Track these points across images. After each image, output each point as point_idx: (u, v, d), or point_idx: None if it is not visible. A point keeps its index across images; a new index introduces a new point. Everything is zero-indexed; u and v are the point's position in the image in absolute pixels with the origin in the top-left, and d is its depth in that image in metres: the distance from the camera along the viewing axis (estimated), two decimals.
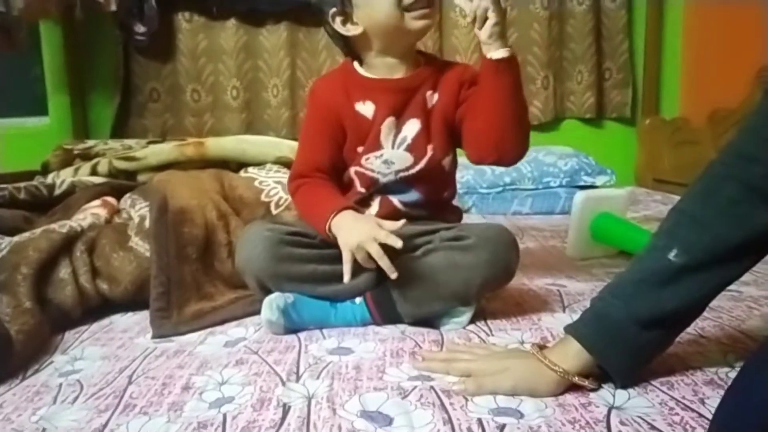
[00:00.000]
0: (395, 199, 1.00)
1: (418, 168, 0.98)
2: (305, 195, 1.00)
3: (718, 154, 0.71)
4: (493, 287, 0.98)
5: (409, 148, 0.98)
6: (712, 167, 0.70)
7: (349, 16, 0.95)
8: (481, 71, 0.92)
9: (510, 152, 0.96)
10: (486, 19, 0.86)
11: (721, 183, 0.68)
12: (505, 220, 1.94)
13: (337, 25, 0.95)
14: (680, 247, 0.67)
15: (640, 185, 2.51)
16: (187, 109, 2.45)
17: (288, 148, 1.57)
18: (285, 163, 1.51)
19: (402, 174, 0.98)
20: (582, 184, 2.07)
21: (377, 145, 0.98)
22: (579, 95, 2.54)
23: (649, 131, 2.52)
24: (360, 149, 0.99)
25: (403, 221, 0.88)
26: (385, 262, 0.86)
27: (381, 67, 0.98)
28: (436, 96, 0.98)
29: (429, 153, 0.98)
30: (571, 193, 1.87)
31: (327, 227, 0.90)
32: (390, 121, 0.97)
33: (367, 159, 0.98)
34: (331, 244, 0.91)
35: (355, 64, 1.01)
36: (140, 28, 2.28)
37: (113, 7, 2.07)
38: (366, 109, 0.98)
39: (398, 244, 0.85)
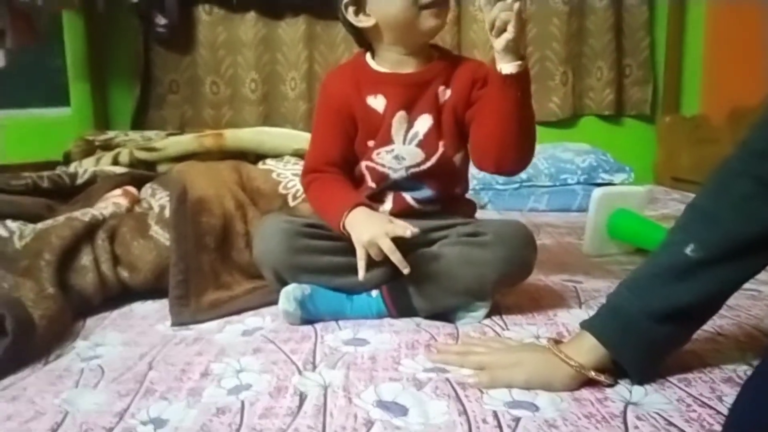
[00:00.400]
0: (408, 196, 1.00)
1: (429, 164, 0.98)
2: (318, 191, 1.00)
3: (734, 149, 0.70)
4: (508, 284, 0.98)
5: (421, 144, 0.97)
6: (727, 163, 0.70)
7: (362, 6, 0.94)
8: (489, 81, 0.91)
9: (510, 166, 0.96)
10: (504, 31, 0.84)
11: (734, 179, 0.68)
12: (521, 217, 1.93)
13: (350, 15, 0.95)
14: (696, 242, 0.67)
15: (658, 183, 2.49)
16: (205, 101, 2.47)
17: (305, 140, 1.57)
18: (302, 156, 1.51)
19: (413, 170, 0.98)
20: (599, 181, 2.05)
21: (388, 140, 0.97)
22: (598, 92, 2.52)
23: (668, 129, 2.49)
24: (371, 143, 0.98)
25: (417, 230, 0.87)
26: (396, 257, 0.86)
27: (392, 61, 0.97)
28: (448, 92, 0.97)
29: (440, 150, 0.97)
30: (588, 190, 1.86)
31: (341, 225, 0.91)
32: (401, 115, 0.97)
33: (378, 154, 0.98)
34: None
35: (367, 56, 1.00)
36: (161, 20, 2.30)
37: None
38: (377, 103, 0.97)
39: (407, 233, 0.85)
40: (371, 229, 0.87)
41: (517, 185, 2.08)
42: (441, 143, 0.97)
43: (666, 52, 2.52)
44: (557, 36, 2.46)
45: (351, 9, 0.94)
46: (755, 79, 2.02)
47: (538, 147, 2.41)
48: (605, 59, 2.48)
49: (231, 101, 2.48)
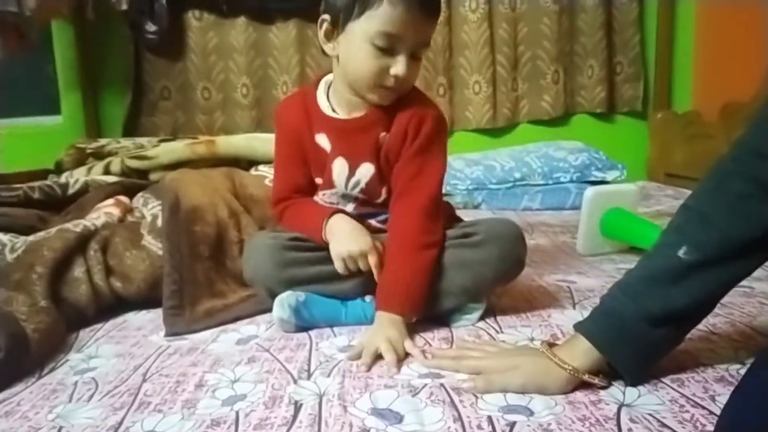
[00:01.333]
0: (373, 221, 1.00)
1: (375, 202, 0.99)
2: (294, 212, 1.00)
3: (728, 149, 0.70)
4: (503, 282, 0.98)
5: (363, 192, 0.97)
6: (722, 163, 0.69)
7: (336, 31, 0.90)
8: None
9: None
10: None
11: (730, 179, 0.67)
12: (515, 216, 1.94)
13: (321, 33, 0.92)
14: (689, 244, 0.67)
15: (651, 180, 2.50)
16: (197, 106, 2.47)
17: None
18: None
19: (360, 201, 0.99)
20: (592, 179, 2.06)
21: (331, 184, 0.97)
22: (590, 89, 2.53)
23: (660, 125, 2.50)
24: (318, 180, 0.99)
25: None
26: (376, 274, 0.87)
27: (342, 98, 0.95)
28: (387, 137, 0.94)
29: (383, 195, 0.98)
30: (581, 188, 1.87)
31: (323, 233, 0.91)
32: (341, 162, 0.95)
33: (324, 194, 1.00)
34: None
35: (320, 90, 0.98)
36: (151, 27, 2.29)
37: (124, 6, 2.09)
38: (324, 141, 0.96)
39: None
40: (352, 242, 0.89)
41: (510, 184, 2.08)
42: (384, 190, 0.97)
43: (656, 49, 2.52)
44: (548, 35, 2.46)
45: (325, 27, 0.91)
46: (747, 74, 2.03)
47: (531, 146, 2.42)
48: (596, 57, 2.49)
49: (223, 106, 2.48)
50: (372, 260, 0.89)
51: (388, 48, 0.86)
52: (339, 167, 0.96)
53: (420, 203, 0.93)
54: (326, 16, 0.90)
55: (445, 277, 0.92)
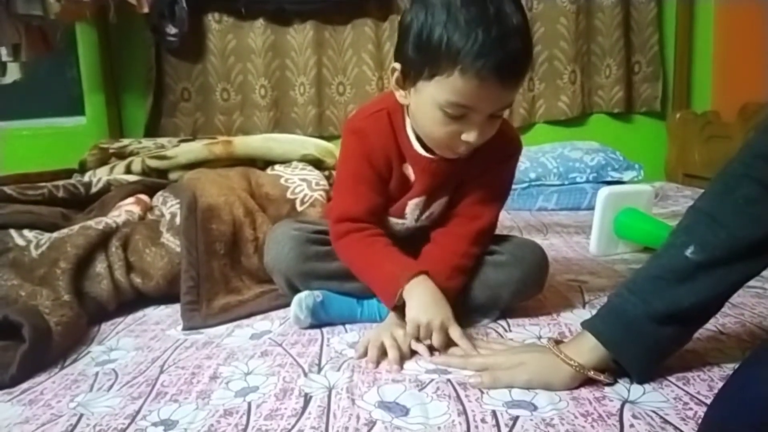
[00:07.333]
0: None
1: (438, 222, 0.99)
2: (363, 247, 0.91)
3: (738, 152, 0.71)
4: (519, 301, 0.98)
5: (431, 220, 0.98)
6: (731, 166, 0.70)
7: (409, 83, 0.83)
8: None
9: None
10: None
11: (738, 182, 0.68)
12: (530, 216, 1.94)
13: (393, 80, 0.85)
14: (697, 244, 0.68)
15: (670, 180, 2.48)
16: (216, 107, 2.51)
17: (313, 146, 1.60)
18: (310, 161, 1.55)
19: (418, 225, 0.99)
20: (609, 179, 2.05)
21: (401, 215, 0.97)
22: (607, 89, 2.52)
23: (679, 125, 2.48)
24: (390, 208, 0.97)
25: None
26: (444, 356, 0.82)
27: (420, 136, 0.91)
28: (469, 171, 0.93)
29: (449, 216, 0.97)
30: (597, 188, 1.85)
31: (400, 289, 0.85)
32: (420, 200, 0.95)
33: (388, 220, 0.98)
34: None
35: (408, 120, 0.90)
36: (171, 30, 2.34)
37: (145, 9, 2.13)
38: (410, 173, 0.93)
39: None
40: (433, 313, 0.82)
41: (526, 185, 2.08)
42: (452, 212, 0.97)
43: (675, 48, 2.51)
44: (565, 35, 2.46)
45: (396, 75, 0.84)
46: (766, 75, 2.00)
47: (547, 146, 2.40)
48: (614, 57, 2.48)
49: (242, 107, 2.52)
50: (455, 333, 0.82)
51: (459, 116, 0.79)
52: (414, 205, 0.95)
53: (472, 229, 0.93)
54: (397, 66, 0.83)
55: (465, 292, 0.93)
